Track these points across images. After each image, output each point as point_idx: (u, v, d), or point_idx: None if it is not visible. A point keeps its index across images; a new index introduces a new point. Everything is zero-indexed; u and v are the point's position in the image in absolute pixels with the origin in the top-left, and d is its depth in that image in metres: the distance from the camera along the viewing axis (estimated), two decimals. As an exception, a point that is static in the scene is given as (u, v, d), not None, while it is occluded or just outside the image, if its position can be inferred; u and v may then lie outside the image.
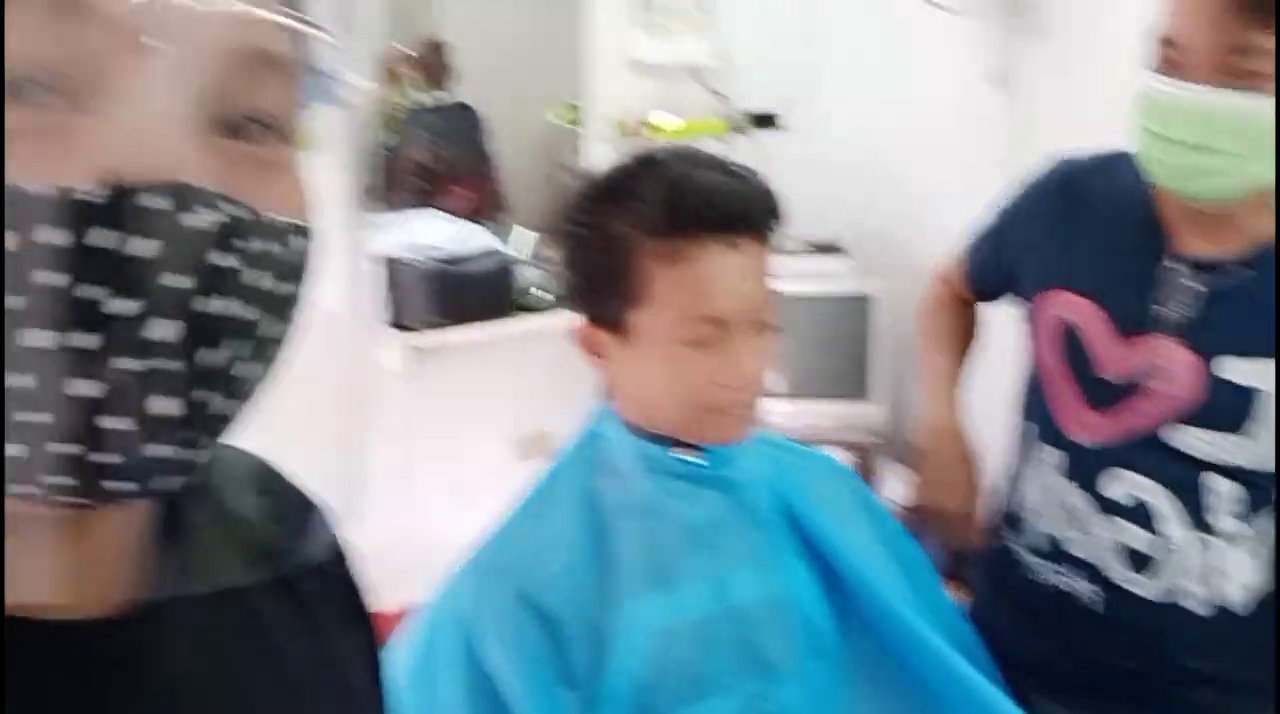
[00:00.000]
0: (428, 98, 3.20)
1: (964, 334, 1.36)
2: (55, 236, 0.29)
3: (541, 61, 2.82)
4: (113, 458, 0.31)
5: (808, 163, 2.86)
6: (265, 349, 0.37)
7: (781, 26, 2.82)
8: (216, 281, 0.32)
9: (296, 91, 0.38)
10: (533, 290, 2.45)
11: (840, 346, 2.43)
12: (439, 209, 2.62)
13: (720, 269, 0.86)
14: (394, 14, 2.59)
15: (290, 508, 0.50)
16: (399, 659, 0.85)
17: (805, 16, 2.75)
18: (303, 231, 0.37)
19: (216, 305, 0.33)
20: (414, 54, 2.78)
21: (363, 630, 0.55)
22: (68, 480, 0.31)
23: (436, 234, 2.33)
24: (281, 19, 0.36)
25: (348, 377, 2.39)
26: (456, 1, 2.66)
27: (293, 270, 0.37)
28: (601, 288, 0.89)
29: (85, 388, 0.30)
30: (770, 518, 0.95)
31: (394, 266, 2.30)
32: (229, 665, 0.43)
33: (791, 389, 2.63)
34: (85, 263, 0.30)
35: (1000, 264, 1.25)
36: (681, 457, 0.92)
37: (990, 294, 1.31)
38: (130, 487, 0.32)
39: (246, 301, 0.34)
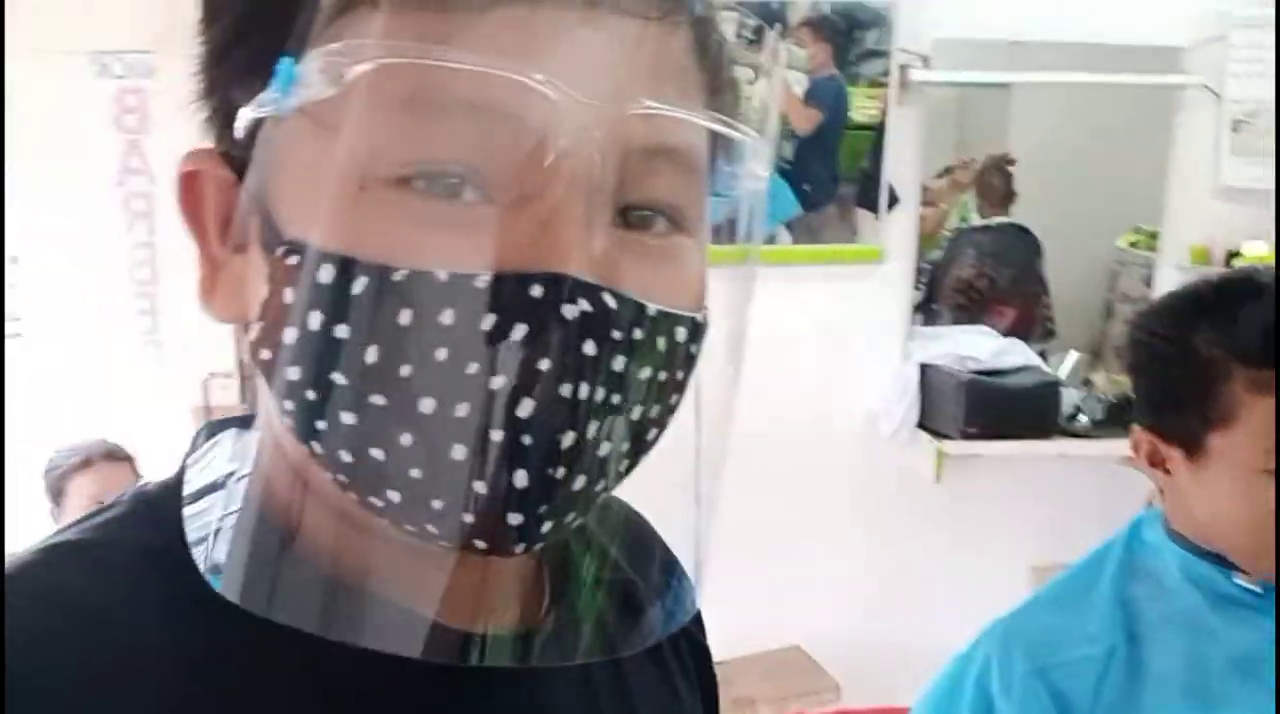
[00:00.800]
0: (975, 216, 3.29)
1: None
2: (447, 317, 0.32)
3: (1119, 188, 2.73)
4: (468, 518, 0.33)
5: None
6: (635, 431, 0.37)
7: None
8: (585, 369, 0.33)
9: (699, 185, 0.38)
10: (1079, 416, 2.37)
11: None
12: (986, 325, 2.67)
13: None
14: (963, 129, 2.72)
15: (665, 568, 0.47)
16: (917, 707, 0.93)
17: None
18: (686, 321, 0.37)
19: (583, 391, 0.33)
20: (973, 170, 2.86)
21: (710, 705, 0.56)
22: (434, 529, 0.34)
23: (978, 347, 2.38)
24: (687, 116, 0.36)
25: (879, 475, 2.52)
26: (1035, 123, 2.69)
27: (673, 358, 0.37)
28: (1179, 404, 0.87)
29: (457, 452, 0.32)
30: None
31: (931, 373, 2.39)
32: None
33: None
34: (470, 341, 0.32)
35: None
36: (1242, 583, 0.87)
37: None
38: (480, 545, 0.34)
39: (616, 388, 0.34)
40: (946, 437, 2.33)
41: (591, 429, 0.34)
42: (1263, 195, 2.52)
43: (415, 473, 0.33)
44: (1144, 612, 0.90)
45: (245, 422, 0.42)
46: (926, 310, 2.81)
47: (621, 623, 0.42)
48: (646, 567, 0.46)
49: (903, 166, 2.46)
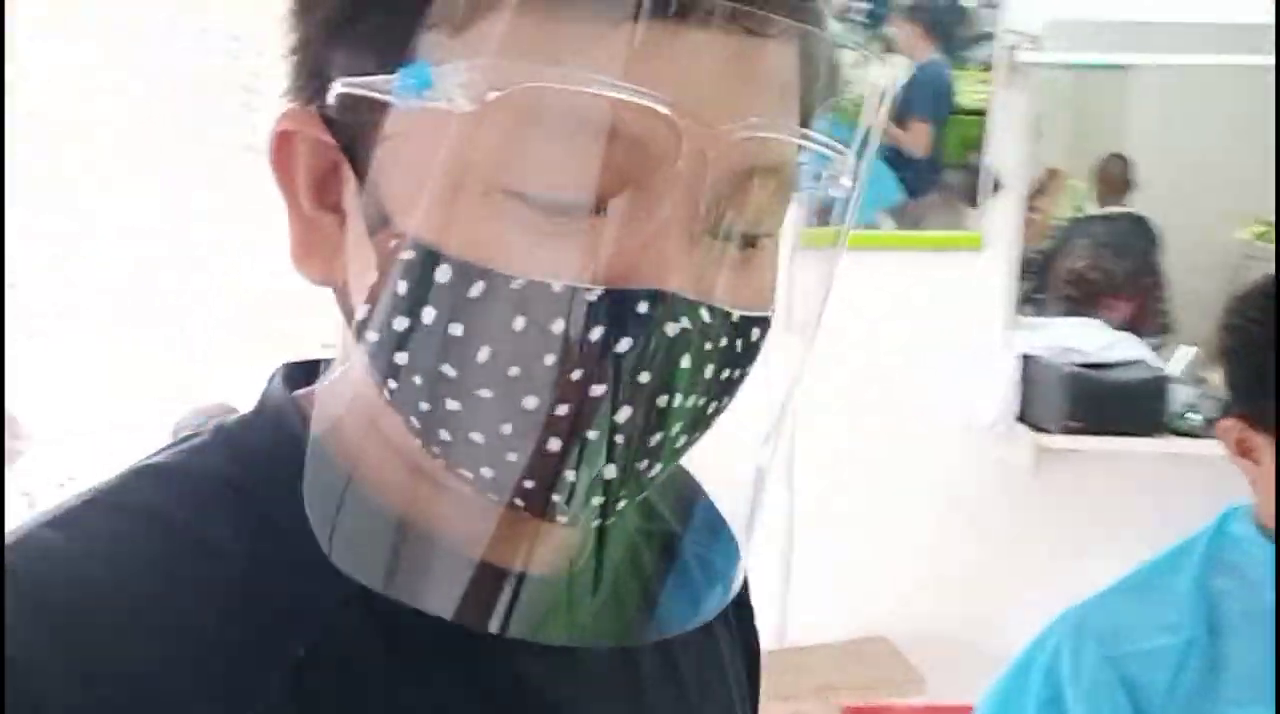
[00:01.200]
0: (1093, 206, 3.17)
1: None
2: (558, 326, 0.34)
3: (1244, 177, 2.61)
4: (559, 498, 0.36)
5: None
6: (706, 425, 0.40)
7: None
8: (679, 380, 0.36)
9: (786, 199, 0.40)
10: (1187, 414, 2.27)
11: None
12: (1098, 317, 2.58)
13: None
14: (1080, 117, 2.63)
15: (721, 540, 0.49)
16: (987, 693, 0.92)
17: None
18: (762, 322, 0.40)
19: (676, 401, 0.36)
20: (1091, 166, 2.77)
21: (753, 684, 0.58)
22: (522, 503, 0.37)
23: (1084, 340, 2.31)
24: (790, 139, 0.38)
25: (975, 467, 2.47)
26: (1148, 119, 2.59)
27: (746, 358, 0.39)
28: (1269, 390, 0.85)
29: (553, 445, 0.35)
30: None
31: (1033, 365, 2.32)
32: (643, 695, 0.47)
33: None
34: (575, 349, 0.34)
35: None
36: (1328, 578, 0.84)
37: None
38: (563, 520, 0.37)
39: (701, 394, 0.37)
40: (1046, 431, 2.27)
41: (676, 429, 0.37)
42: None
43: (512, 457, 0.36)
44: (1227, 605, 0.87)
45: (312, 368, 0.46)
46: (1035, 301, 2.74)
47: (679, 597, 0.45)
48: (702, 538, 0.48)
49: (1007, 152, 2.39)
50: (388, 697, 0.39)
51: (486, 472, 0.36)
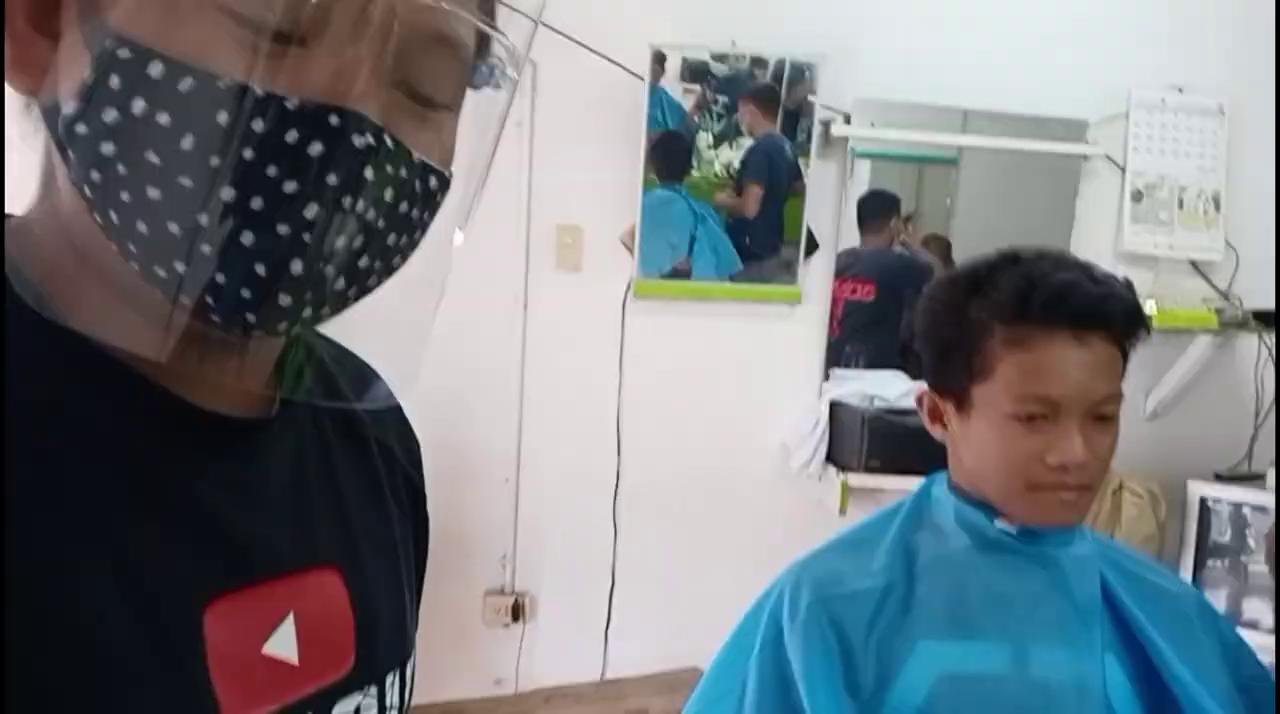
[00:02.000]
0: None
1: None
2: (258, 125, 0.38)
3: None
4: (248, 293, 0.40)
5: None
6: (386, 254, 0.45)
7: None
8: (363, 189, 0.41)
9: (464, 78, 0.47)
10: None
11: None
12: (900, 371, 2.78)
13: (1061, 357, 0.91)
14: (918, 214, 2.86)
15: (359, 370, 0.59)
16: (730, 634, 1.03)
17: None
18: (438, 175, 0.46)
19: (359, 207, 0.41)
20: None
21: (421, 527, 0.66)
22: (212, 301, 0.40)
23: (887, 387, 2.50)
24: (466, 16, 0.45)
25: (789, 506, 2.61)
26: (971, 203, 2.81)
27: (425, 204, 0.45)
28: (952, 363, 0.99)
29: (247, 238, 0.39)
30: (1086, 605, 0.94)
31: (841, 410, 2.50)
32: (309, 480, 0.53)
33: None
34: (273, 148, 0.39)
35: None
36: (1002, 526, 0.97)
37: None
38: (251, 318, 0.40)
39: (381, 212, 0.42)
40: (851, 470, 2.43)
41: (358, 241, 0.42)
42: (1156, 261, 2.68)
43: (206, 249, 0.39)
44: (923, 555, 0.99)
45: None
46: (845, 354, 2.93)
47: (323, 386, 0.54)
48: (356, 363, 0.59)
49: (823, 217, 2.61)
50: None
51: (179, 266, 0.39)
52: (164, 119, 0.38)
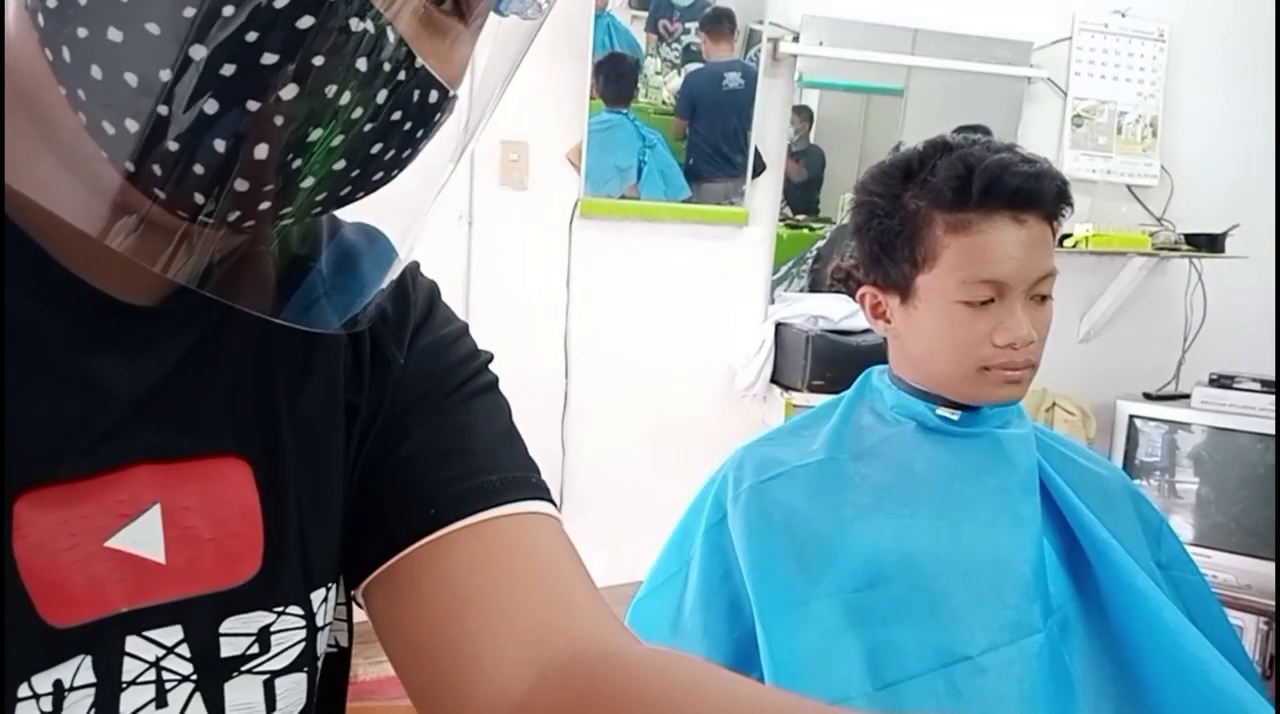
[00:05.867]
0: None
1: None
2: None
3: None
4: (201, 170, 0.35)
5: (1260, 292, 2.63)
6: (367, 163, 0.39)
7: (1227, 146, 2.66)
8: (349, 79, 0.36)
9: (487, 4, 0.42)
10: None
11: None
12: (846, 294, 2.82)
13: (1003, 239, 0.92)
14: (864, 148, 2.87)
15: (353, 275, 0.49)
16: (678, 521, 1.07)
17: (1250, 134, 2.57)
18: (440, 89, 0.40)
19: (343, 98, 0.36)
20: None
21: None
22: (158, 170, 0.35)
23: (831, 309, 2.53)
24: None
25: (733, 421, 2.65)
26: (918, 135, 2.80)
27: (419, 114, 0.40)
28: (893, 255, 0.99)
29: (209, 105, 0.34)
30: (1027, 474, 0.96)
31: (785, 332, 2.53)
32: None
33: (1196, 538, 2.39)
34: (258, 13, 0.33)
35: None
36: (943, 414, 0.99)
37: None
38: (200, 200, 0.35)
39: (366, 112, 0.37)
40: (795, 390, 2.46)
41: (337, 138, 0.37)
42: (1094, 185, 2.73)
43: (163, 109, 0.34)
44: (867, 437, 1.01)
45: None
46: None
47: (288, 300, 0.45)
48: (340, 270, 0.49)
49: (770, 135, 2.60)
50: None
51: (130, 124, 0.34)
52: None
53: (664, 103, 2.52)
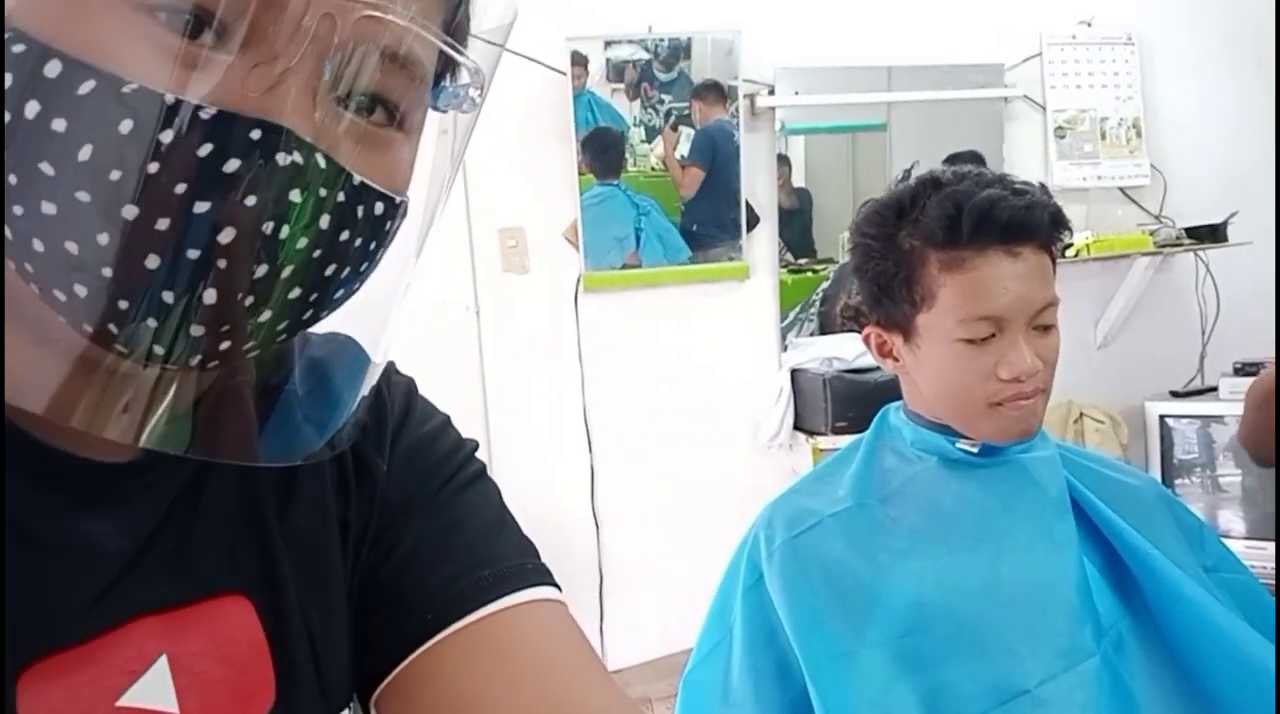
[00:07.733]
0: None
1: None
2: (166, 136, 0.34)
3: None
4: (152, 323, 0.35)
5: (1270, 275, 2.61)
6: (323, 286, 0.39)
7: (1212, 136, 2.67)
8: (289, 213, 0.36)
9: (422, 93, 0.42)
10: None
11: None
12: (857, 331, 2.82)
13: (998, 274, 0.92)
14: (854, 186, 2.90)
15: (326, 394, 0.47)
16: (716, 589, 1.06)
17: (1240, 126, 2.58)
18: (385, 199, 0.40)
19: (283, 233, 0.36)
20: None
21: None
22: (115, 329, 0.35)
23: (843, 349, 2.53)
24: (423, 33, 0.40)
25: (763, 472, 2.63)
26: (910, 150, 2.84)
27: (370, 230, 0.40)
28: (893, 295, 0.99)
29: (152, 261, 0.34)
30: (1058, 497, 0.95)
31: (801, 377, 2.53)
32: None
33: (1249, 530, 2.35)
34: (184, 164, 0.34)
35: None
36: (964, 447, 0.99)
37: None
38: (159, 351, 0.35)
39: (315, 243, 0.37)
40: (820, 434, 2.45)
41: (285, 271, 0.37)
42: (1087, 193, 2.74)
43: (106, 272, 0.34)
44: (893, 479, 1.01)
45: None
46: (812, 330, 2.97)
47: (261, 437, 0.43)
48: (315, 395, 0.47)
49: (758, 187, 2.63)
50: None
51: (80, 289, 0.35)
52: (59, 126, 0.34)
53: (653, 169, 2.56)
